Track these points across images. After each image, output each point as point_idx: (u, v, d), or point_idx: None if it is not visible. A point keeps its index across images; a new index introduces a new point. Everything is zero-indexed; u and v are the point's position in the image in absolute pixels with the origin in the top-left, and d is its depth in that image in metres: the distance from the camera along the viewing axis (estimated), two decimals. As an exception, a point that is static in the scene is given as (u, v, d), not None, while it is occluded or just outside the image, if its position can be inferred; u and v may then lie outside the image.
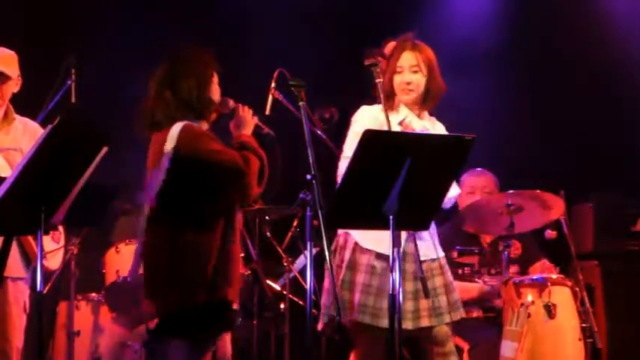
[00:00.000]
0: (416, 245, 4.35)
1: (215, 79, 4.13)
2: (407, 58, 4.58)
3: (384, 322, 4.35)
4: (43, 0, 6.84)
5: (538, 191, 5.39)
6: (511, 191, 5.39)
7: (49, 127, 3.79)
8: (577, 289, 5.58)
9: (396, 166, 3.88)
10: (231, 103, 4.16)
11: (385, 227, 3.95)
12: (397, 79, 4.57)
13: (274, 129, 4.32)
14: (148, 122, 4.08)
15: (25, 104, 5.01)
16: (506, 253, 5.44)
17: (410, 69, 4.57)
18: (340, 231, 4.55)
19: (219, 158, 3.93)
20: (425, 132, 4.49)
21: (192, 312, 3.92)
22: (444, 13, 7.44)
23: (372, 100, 4.60)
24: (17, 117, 4.89)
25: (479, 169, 6.00)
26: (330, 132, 5.19)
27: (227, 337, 4.16)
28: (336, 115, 5.31)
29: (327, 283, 4.49)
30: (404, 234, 4.41)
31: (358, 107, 4.65)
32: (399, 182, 3.88)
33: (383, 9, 7.13)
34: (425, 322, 4.48)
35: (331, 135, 5.11)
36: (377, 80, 4.54)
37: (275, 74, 5.31)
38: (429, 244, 4.50)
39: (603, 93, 7.12)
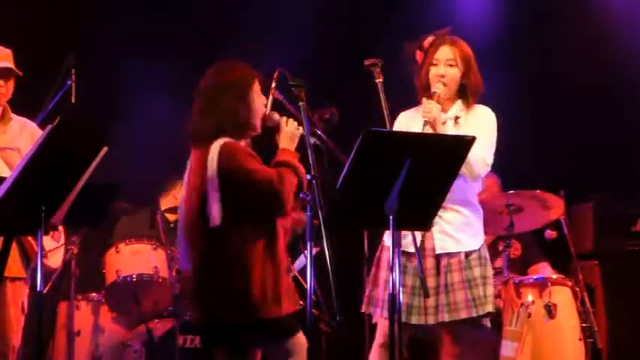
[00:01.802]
0: (416, 243, 4.39)
1: (255, 91, 4.10)
2: (444, 52, 4.62)
3: (404, 317, 4.40)
4: (43, 0, 6.84)
5: (538, 191, 5.39)
6: (511, 191, 5.40)
7: (49, 127, 3.79)
8: (577, 289, 5.59)
9: (396, 166, 3.88)
10: (276, 116, 4.14)
11: (385, 227, 3.96)
12: (433, 71, 4.61)
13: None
14: (191, 137, 4.08)
15: (24, 104, 5.01)
16: (506, 253, 5.44)
17: (446, 62, 4.60)
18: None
19: (254, 177, 3.92)
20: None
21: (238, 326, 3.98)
22: (444, 13, 7.43)
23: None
24: (15, 117, 4.89)
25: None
26: (330, 132, 5.19)
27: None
28: (336, 116, 5.30)
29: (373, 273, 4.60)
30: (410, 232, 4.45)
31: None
32: (399, 182, 3.89)
33: (383, 9, 7.13)
34: (442, 318, 4.49)
35: (331, 135, 5.11)
36: (377, 80, 4.55)
37: (275, 74, 5.31)
38: (449, 239, 4.50)
39: (603, 93, 7.11)
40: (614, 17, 7.27)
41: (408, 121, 4.63)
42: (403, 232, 4.43)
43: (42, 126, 4.90)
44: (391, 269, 3.99)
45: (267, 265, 3.96)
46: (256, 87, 4.10)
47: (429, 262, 4.50)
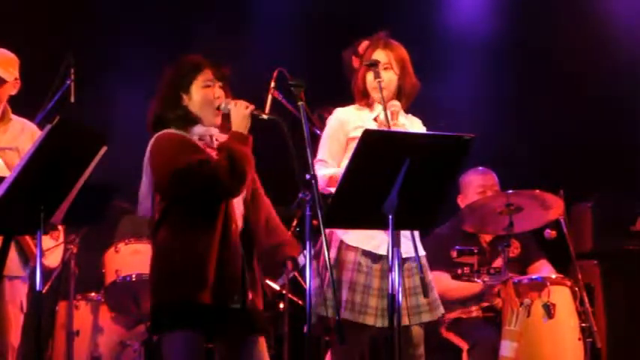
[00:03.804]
0: (415, 244, 4.39)
1: (200, 81, 4.07)
2: (380, 56, 4.63)
3: (370, 320, 4.42)
4: (42, 0, 6.84)
5: (537, 191, 5.38)
6: (510, 191, 5.39)
7: (49, 126, 3.79)
8: (576, 288, 5.58)
9: (395, 166, 3.88)
10: (224, 102, 4.10)
11: (384, 227, 3.95)
12: (369, 77, 4.60)
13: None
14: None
15: (24, 104, 5.01)
16: (505, 252, 5.43)
17: (382, 66, 4.60)
18: (327, 230, 4.55)
19: (173, 165, 3.88)
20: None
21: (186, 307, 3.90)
22: (443, 12, 7.44)
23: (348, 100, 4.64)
24: (14, 117, 4.89)
25: (481, 168, 6.00)
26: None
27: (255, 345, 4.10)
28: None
29: (315, 283, 4.50)
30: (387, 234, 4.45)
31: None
32: (399, 182, 3.89)
33: (383, 9, 7.12)
34: (404, 321, 4.47)
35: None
36: (376, 80, 4.55)
37: (275, 74, 5.32)
38: (409, 243, 4.48)
39: (603, 92, 7.12)
40: (614, 17, 7.27)
41: (351, 117, 4.60)
42: (370, 233, 4.42)
43: (41, 125, 4.89)
44: (391, 269, 3.99)
45: (201, 253, 3.89)
46: (202, 77, 4.07)
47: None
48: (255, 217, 4.16)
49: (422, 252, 4.59)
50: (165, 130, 4.03)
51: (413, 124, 4.70)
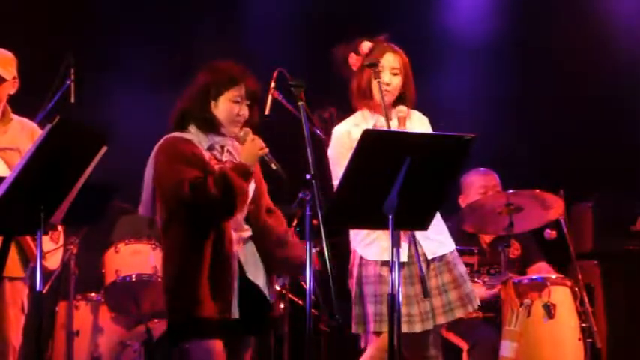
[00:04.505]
0: (416, 246, 4.38)
1: (229, 96, 4.11)
2: (389, 60, 4.61)
3: (404, 327, 4.38)
4: (42, 0, 6.84)
5: (537, 191, 5.39)
6: (510, 191, 5.39)
7: (49, 126, 3.79)
8: (576, 288, 5.58)
9: (395, 166, 3.88)
10: (244, 132, 4.13)
11: (384, 227, 3.95)
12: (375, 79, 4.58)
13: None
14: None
15: (24, 104, 5.00)
16: (505, 252, 5.44)
17: (391, 70, 4.59)
18: (352, 249, 4.57)
19: (167, 177, 3.96)
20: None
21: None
22: (443, 12, 7.44)
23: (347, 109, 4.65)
24: (15, 117, 4.88)
25: (482, 168, 6.00)
26: (330, 132, 5.19)
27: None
28: (336, 115, 5.30)
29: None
30: (404, 240, 4.43)
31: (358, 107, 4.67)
32: (399, 182, 3.88)
33: (383, 9, 7.12)
34: (440, 320, 4.49)
35: (330, 135, 5.11)
36: (376, 80, 4.54)
37: (275, 74, 5.31)
38: (434, 242, 4.49)
39: (603, 92, 7.12)
40: (614, 17, 7.27)
41: (351, 131, 4.56)
42: (387, 244, 4.38)
43: (42, 125, 4.89)
44: (391, 269, 3.99)
45: (197, 266, 3.95)
46: (234, 92, 4.11)
47: (415, 270, 4.47)
48: (265, 227, 4.21)
49: (450, 248, 4.56)
50: (174, 134, 4.08)
51: (421, 122, 4.68)
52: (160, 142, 4.09)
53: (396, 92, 4.60)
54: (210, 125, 4.11)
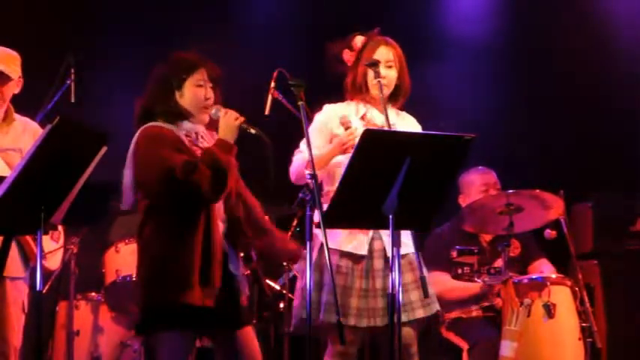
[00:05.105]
0: (395, 242, 4.38)
1: (193, 80, 4.10)
2: (383, 53, 4.62)
3: (351, 321, 4.42)
4: (42, 0, 6.84)
5: (537, 191, 5.38)
6: (511, 191, 5.39)
7: (49, 126, 3.79)
8: (577, 288, 5.58)
9: (395, 166, 3.88)
10: (215, 109, 4.11)
11: (384, 227, 3.95)
12: (370, 75, 4.59)
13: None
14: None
15: (24, 104, 5.00)
16: (505, 252, 5.43)
17: (385, 63, 4.60)
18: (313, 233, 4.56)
19: (157, 163, 3.92)
20: (382, 127, 4.52)
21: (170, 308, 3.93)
22: (442, 12, 7.44)
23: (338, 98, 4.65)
24: (18, 117, 4.88)
25: (481, 167, 6.00)
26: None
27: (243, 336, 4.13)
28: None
29: (299, 284, 4.55)
30: (371, 232, 4.44)
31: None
32: (399, 181, 3.88)
33: (383, 9, 7.13)
34: (403, 318, 4.45)
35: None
36: (376, 80, 4.55)
37: (275, 74, 5.32)
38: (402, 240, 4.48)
39: (603, 92, 7.12)
40: (614, 17, 7.27)
41: (338, 113, 4.60)
42: (350, 234, 4.44)
43: (42, 125, 4.89)
44: (391, 269, 3.99)
45: (187, 252, 3.92)
46: (196, 76, 4.10)
47: (378, 264, 4.50)
48: (242, 217, 4.16)
49: (411, 250, 4.53)
50: (152, 123, 4.06)
51: (405, 121, 4.69)
52: (139, 132, 4.04)
53: (392, 85, 4.63)
54: (177, 114, 4.08)
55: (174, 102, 4.09)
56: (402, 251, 4.47)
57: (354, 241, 4.51)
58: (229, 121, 4.04)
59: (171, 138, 4.01)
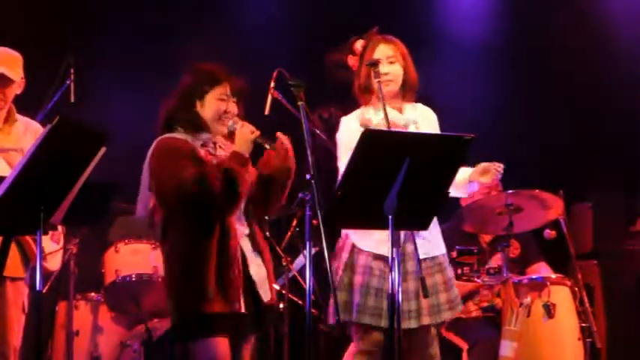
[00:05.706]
0: (415, 245, 4.37)
1: (215, 94, 4.14)
2: (382, 50, 4.63)
3: (384, 322, 4.40)
4: (43, 0, 6.84)
5: (537, 191, 5.39)
6: (510, 191, 5.39)
7: (48, 126, 3.79)
8: (576, 288, 5.59)
9: (395, 166, 3.88)
10: (232, 121, 4.14)
11: (384, 227, 3.95)
12: (373, 73, 4.58)
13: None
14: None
15: (24, 104, 5.00)
16: (504, 252, 5.44)
17: (387, 60, 4.60)
18: (343, 233, 4.57)
19: (170, 175, 3.96)
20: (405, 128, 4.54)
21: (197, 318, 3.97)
22: (442, 13, 7.44)
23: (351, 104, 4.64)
24: (20, 117, 4.89)
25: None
26: (329, 132, 5.20)
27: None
28: (335, 115, 5.31)
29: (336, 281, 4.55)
30: (402, 234, 4.44)
31: (357, 107, 4.67)
32: (399, 182, 3.89)
33: (382, 10, 7.13)
34: (426, 321, 4.50)
35: (330, 135, 5.12)
36: (376, 80, 4.55)
37: (274, 74, 5.32)
38: (427, 243, 4.51)
39: (603, 92, 7.12)
40: (614, 17, 7.27)
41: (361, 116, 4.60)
42: (382, 237, 4.40)
43: (42, 125, 4.89)
44: (391, 269, 3.99)
45: (204, 262, 3.95)
46: (219, 90, 4.14)
47: (410, 266, 4.50)
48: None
49: (442, 250, 4.60)
50: (167, 135, 4.10)
51: (424, 115, 4.69)
52: (155, 143, 4.10)
53: (399, 80, 4.61)
54: (197, 125, 4.13)
55: (194, 112, 4.13)
56: (432, 253, 4.54)
57: (386, 244, 4.50)
58: (245, 134, 4.08)
59: (185, 149, 4.04)
